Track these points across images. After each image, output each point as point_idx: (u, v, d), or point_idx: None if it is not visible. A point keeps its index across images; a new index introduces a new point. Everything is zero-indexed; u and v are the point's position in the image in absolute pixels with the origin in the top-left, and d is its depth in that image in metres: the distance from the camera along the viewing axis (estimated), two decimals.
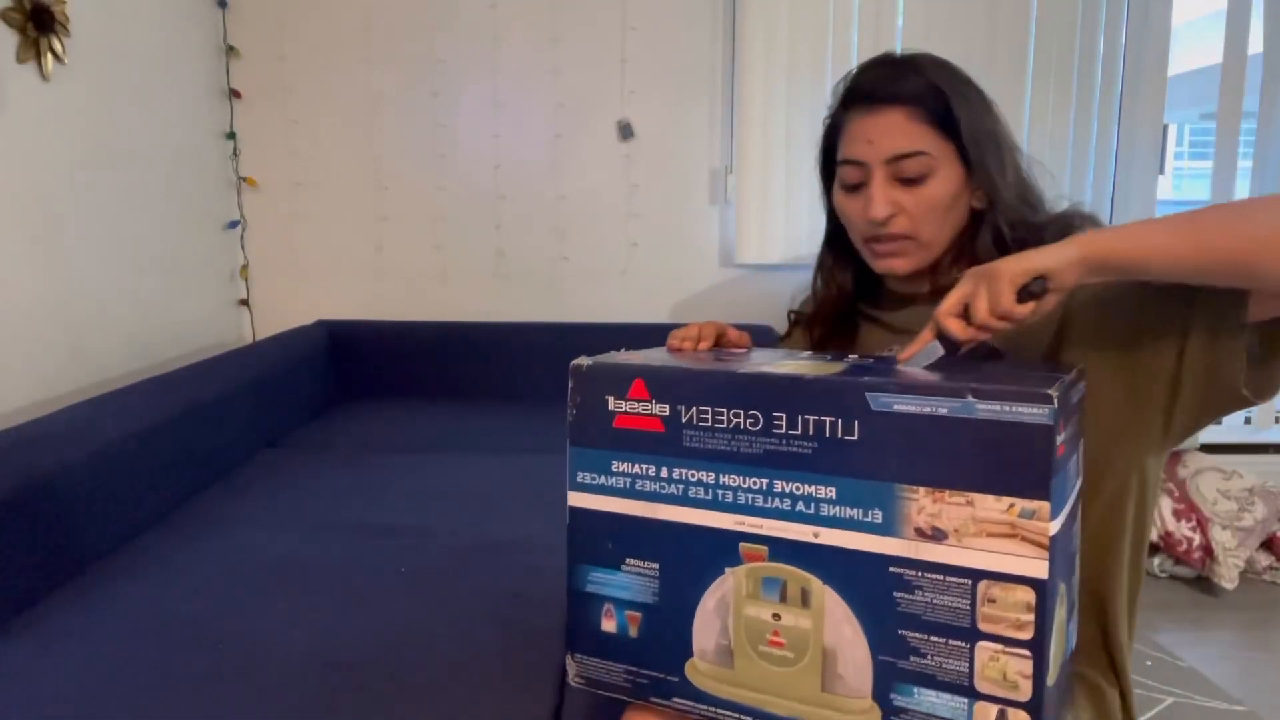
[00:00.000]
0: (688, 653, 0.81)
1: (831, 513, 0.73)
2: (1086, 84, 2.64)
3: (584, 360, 0.84)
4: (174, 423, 1.82)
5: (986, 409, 0.66)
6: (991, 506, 0.67)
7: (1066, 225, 0.92)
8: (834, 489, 0.73)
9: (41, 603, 1.36)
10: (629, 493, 0.82)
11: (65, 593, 1.40)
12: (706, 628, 0.80)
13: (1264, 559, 2.45)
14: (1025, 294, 0.74)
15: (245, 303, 2.81)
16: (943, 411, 0.68)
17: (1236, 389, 0.78)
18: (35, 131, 1.85)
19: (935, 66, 0.95)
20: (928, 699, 0.71)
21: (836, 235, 1.06)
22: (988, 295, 0.76)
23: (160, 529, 1.67)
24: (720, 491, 0.78)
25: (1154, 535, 2.41)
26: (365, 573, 1.47)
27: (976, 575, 0.68)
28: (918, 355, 0.81)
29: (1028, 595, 0.66)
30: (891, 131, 0.92)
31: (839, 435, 0.72)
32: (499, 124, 2.77)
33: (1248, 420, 2.84)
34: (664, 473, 0.80)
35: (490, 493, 1.90)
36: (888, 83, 0.93)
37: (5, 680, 1.15)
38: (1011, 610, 0.67)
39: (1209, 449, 2.68)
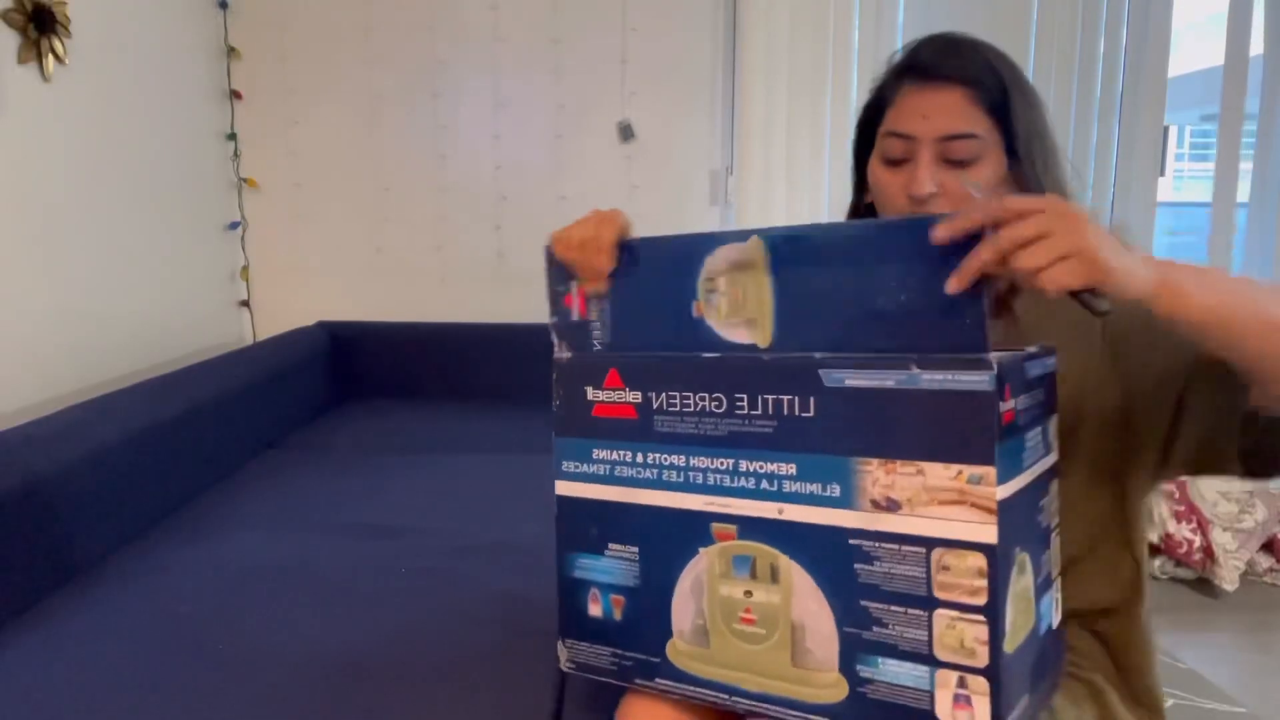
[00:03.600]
0: (668, 633, 0.83)
1: (793, 489, 0.75)
2: (1087, 85, 2.64)
3: (565, 353, 0.90)
4: (174, 423, 1.82)
5: (930, 379, 0.68)
6: (941, 475, 0.68)
7: None
8: (794, 465, 0.75)
9: (41, 603, 1.36)
10: (609, 479, 0.86)
11: (65, 593, 1.40)
12: (684, 608, 0.82)
13: (1264, 561, 2.44)
14: (1082, 295, 0.65)
15: (246, 304, 2.81)
16: (889, 384, 0.70)
17: (1226, 466, 0.79)
18: (36, 132, 1.85)
19: (997, 55, 0.93)
20: (891, 669, 0.72)
21: (859, 212, 1.01)
22: (1056, 258, 0.64)
23: (160, 530, 1.67)
24: (691, 474, 0.80)
25: (1154, 537, 2.41)
26: (365, 573, 1.47)
27: (930, 544, 0.69)
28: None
29: (979, 561, 0.67)
30: (948, 110, 0.89)
31: (796, 413, 0.74)
32: (499, 125, 2.77)
33: None
34: (639, 457, 0.84)
35: (490, 493, 1.90)
36: (951, 60, 0.91)
37: (5, 680, 1.15)
38: (965, 576, 0.68)
39: None
